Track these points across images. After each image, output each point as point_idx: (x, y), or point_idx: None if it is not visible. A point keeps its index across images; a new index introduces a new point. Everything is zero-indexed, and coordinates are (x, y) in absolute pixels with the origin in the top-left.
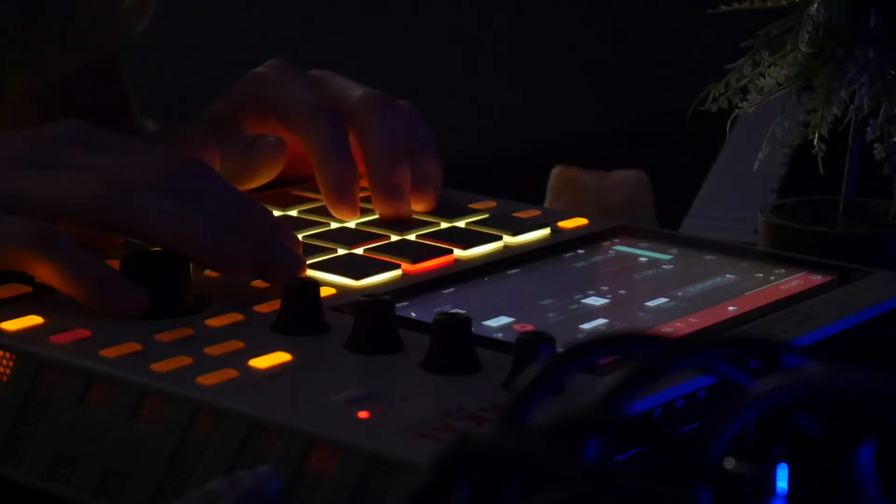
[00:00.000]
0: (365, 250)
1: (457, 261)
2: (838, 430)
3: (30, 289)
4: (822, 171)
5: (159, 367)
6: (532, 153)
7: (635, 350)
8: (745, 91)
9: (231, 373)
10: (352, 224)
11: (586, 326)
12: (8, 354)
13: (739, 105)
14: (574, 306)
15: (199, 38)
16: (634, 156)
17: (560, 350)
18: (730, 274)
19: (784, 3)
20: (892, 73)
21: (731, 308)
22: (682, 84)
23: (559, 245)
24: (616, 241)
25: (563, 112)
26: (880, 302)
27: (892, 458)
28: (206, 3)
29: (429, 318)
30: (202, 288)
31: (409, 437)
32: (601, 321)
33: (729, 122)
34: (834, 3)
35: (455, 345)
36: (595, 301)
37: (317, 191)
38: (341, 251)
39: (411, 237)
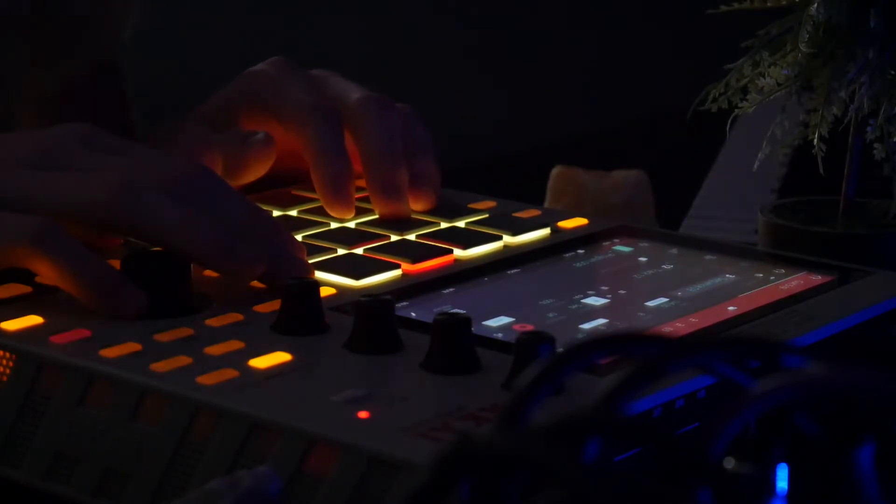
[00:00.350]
0: (365, 250)
1: (457, 261)
2: (838, 430)
3: (30, 289)
4: (822, 171)
5: (159, 367)
6: (532, 153)
7: (635, 350)
8: (745, 91)
9: (231, 373)
10: (352, 224)
11: (586, 326)
12: (8, 354)
13: (739, 105)
14: (574, 306)
15: (201, 39)
16: (634, 156)
17: (560, 350)
18: (730, 274)
19: (784, 3)
20: (892, 73)
21: (731, 308)
22: (682, 84)
23: (559, 245)
24: (616, 240)
25: (563, 112)
26: (880, 302)
27: (892, 458)
28: (207, 3)
29: (429, 318)
30: (202, 288)
31: (409, 437)
32: (601, 321)
33: (729, 122)
34: (834, 3)
35: (455, 345)
36: (595, 301)
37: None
38: (341, 251)
39: (411, 237)
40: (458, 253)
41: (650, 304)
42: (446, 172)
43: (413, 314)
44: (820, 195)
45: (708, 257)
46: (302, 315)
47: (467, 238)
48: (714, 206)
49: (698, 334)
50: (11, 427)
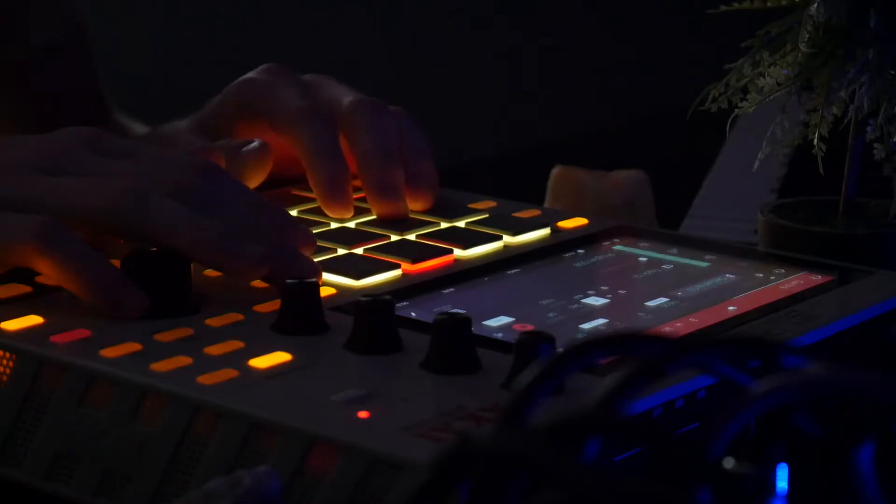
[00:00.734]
0: (365, 250)
1: (457, 261)
2: (838, 430)
3: (30, 289)
4: (822, 171)
5: (159, 367)
6: (532, 153)
7: (635, 350)
8: (745, 91)
9: (231, 373)
10: (352, 224)
11: (586, 326)
12: (8, 354)
13: (739, 105)
14: (574, 306)
15: (201, 41)
16: (634, 156)
17: (560, 350)
18: (730, 274)
19: (784, 3)
20: (892, 73)
21: (731, 308)
22: (682, 84)
23: (559, 245)
24: (616, 240)
25: (563, 112)
26: (880, 302)
27: (892, 458)
28: (206, 4)
29: (429, 318)
30: (202, 288)
31: (409, 437)
32: (601, 321)
33: (729, 122)
34: (834, 3)
35: (455, 345)
36: (595, 301)
37: None
38: (341, 251)
39: (411, 237)
40: (458, 253)
41: (650, 304)
42: (446, 172)
43: (413, 314)
44: (820, 195)
45: (708, 257)
46: (302, 315)
47: (467, 238)
48: (714, 206)
49: (698, 334)
50: (11, 427)
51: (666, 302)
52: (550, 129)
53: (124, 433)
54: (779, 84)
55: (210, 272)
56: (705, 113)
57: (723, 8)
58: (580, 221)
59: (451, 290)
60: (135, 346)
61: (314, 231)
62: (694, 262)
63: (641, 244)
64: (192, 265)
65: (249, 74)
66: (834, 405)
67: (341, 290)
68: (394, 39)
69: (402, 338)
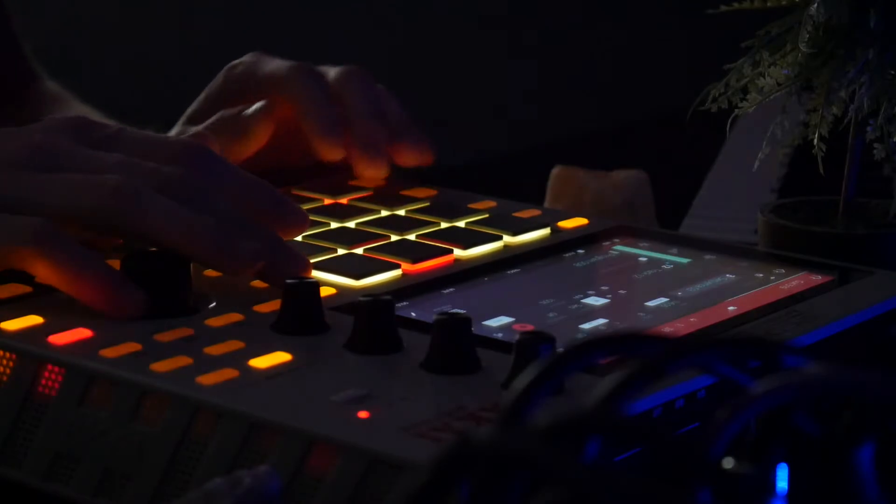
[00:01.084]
0: (365, 250)
1: (457, 261)
2: (838, 430)
3: (30, 289)
4: (822, 171)
5: (159, 367)
6: (532, 153)
7: (635, 350)
8: (745, 91)
9: (231, 373)
10: (352, 224)
11: (586, 326)
12: (8, 354)
13: (739, 105)
14: (574, 306)
15: (201, 41)
16: (634, 156)
17: (560, 350)
18: (730, 274)
19: (784, 3)
20: (892, 73)
21: (731, 308)
22: (682, 84)
23: (559, 245)
24: (616, 240)
25: (563, 112)
26: (880, 302)
27: (892, 458)
28: (207, 5)
29: (429, 318)
30: (202, 288)
31: (409, 437)
32: (601, 321)
33: (729, 122)
34: (834, 3)
35: (455, 345)
36: (595, 301)
37: (317, 191)
38: (341, 251)
39: (411, 237)
40: (458, 253)
41: (650, 304)
42: (447, 172)
43: (413, 314)
44: (820, 195)
45: (708, 257)
46: (302, 315)
47: (467, 238)
48: (714, 206)
49: (698, 334)
50: (11, 427)
51: (666, 302)
52: (550, 129)
53: (124, 433)
54: (779, 84)
55: (210, 272)
56: (705, 113)
57: (723, 8)
58: (580, 221)
59: (451, 290)
60: (135, 346)
61: (314, 231)
62: (694, 262)
63: (641, 244)
64: (192, 265)
65: (233, 62)
66: (834, 405)
67: (341, 290)
68: (394, 39)
69: (402, 338)
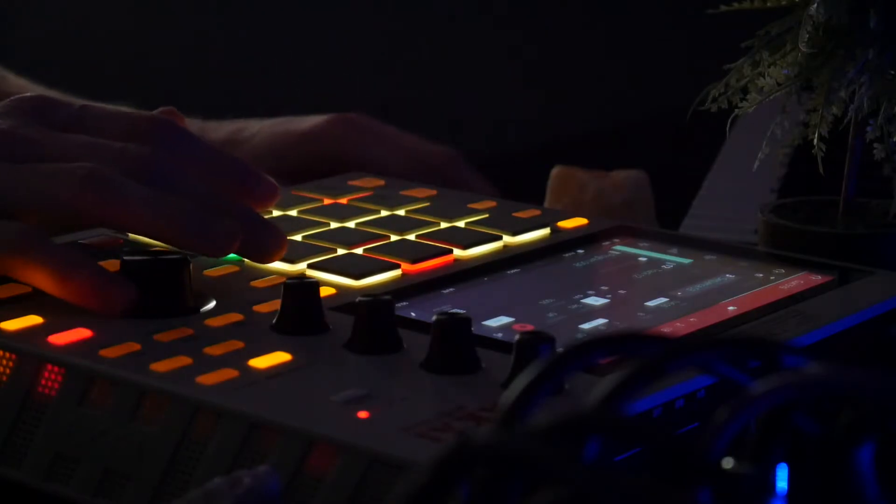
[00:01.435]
0: (365, 250)
1: (456, 261)
2: (838, 430)
3: (30, 289)
4: (822, 171)
5: (159, 366)
6: (532, 153)
7: (635, 350)
8: (745, 91)
9: (231, 373)
10: (352, 224)
11: (586, 326)
12: (8, 354)
13: (739, 105)
14: (574, 306)
15: (201, 41)
16: (634, 156)
17: (560, 350)
18: (730, 274)
19: (784, 3)
20: (892, 73)
21: (731, 308)
22: (682, 84)
23: (559, 245)
24: (616, 240)
25: (562, 112)
26: (880, 302)
27: (892, 458)
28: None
29: (429, 318)
30: (202, 288)
31: (409, 437)
32: (601, 321)
33: (729, 122)
34: (834, 3)
35: (455, 345)
36: (595, 301)
37: (317, 191)
38: (341, 251)
39: (411, 237)
40: (458, 253)
41: (650, 304)
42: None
43: (413, 314)
44: (820, 195)
45: (708, 257)
46: (302, 315)
47: (467, 238)
48: (714, 206)
49: (698, 334)
50: (11, 427)
51: (666, 302)
52: (550, 129)
53: (124, 433)
54: (779, 84)
55: (210, 272)
56: (705, 113)
57: (723, 8)
58: (580, 221)
59: (451, 290)
60: (135, 346)
61: (314, 231)
62: (694, 263)
63: (641, 244)
64: (191, 265)
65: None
66: (834, 405)
67: (341, 290)
68: (394, 39)
69: (402, 338)
